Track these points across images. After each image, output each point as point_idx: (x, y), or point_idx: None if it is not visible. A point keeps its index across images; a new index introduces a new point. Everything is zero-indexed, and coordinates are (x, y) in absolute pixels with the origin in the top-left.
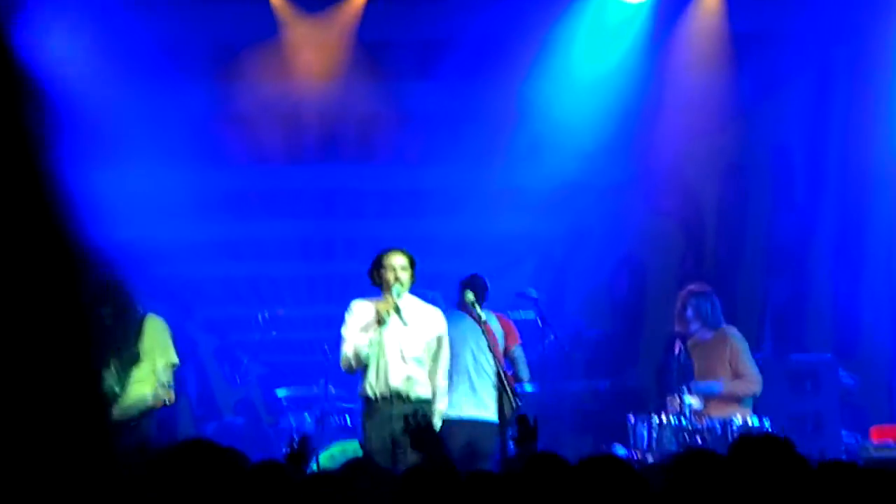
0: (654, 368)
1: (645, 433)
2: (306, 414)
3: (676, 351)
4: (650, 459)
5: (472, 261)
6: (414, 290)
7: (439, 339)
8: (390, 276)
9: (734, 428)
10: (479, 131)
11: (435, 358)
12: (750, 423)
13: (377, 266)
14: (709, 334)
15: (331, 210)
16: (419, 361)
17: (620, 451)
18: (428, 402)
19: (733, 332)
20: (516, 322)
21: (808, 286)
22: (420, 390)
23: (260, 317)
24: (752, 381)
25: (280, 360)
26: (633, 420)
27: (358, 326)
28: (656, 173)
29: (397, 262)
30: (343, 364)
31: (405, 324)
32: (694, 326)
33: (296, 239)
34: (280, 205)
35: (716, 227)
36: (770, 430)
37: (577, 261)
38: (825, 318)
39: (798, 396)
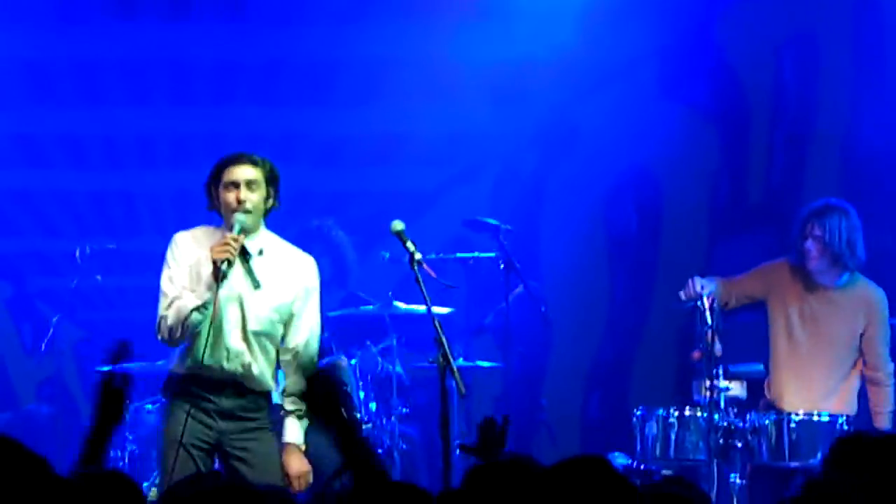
0: (674, 340)
1: (658, 434)
2: (149, 404)
3: (708, 312)
4: (664, 471)
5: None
6: (287, 221)
7: (302, 297)
8: (230, 197)
9: (792, 425)
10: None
11: (290, 321)
12: (817, 418)
13: (213, 180)
14: (839, 280)
15: None
16: (267, 337)
17: (621, 459)
18: (267, 397)
19: (879, 292)
20: (467, 265)
21: None
22: (266, 383)
23: (78, 253)
24: (883, 378)
25: (108, 319)
26: (640, 415)
27: (184, 276)
28: (683, 49)
29: (242, 175)
30: (161, 331)
31: (256, 285)
32: (816, 265)
33: (130, 134)
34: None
35: (770, 134)
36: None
37: (557, 175)
38: None
39: None
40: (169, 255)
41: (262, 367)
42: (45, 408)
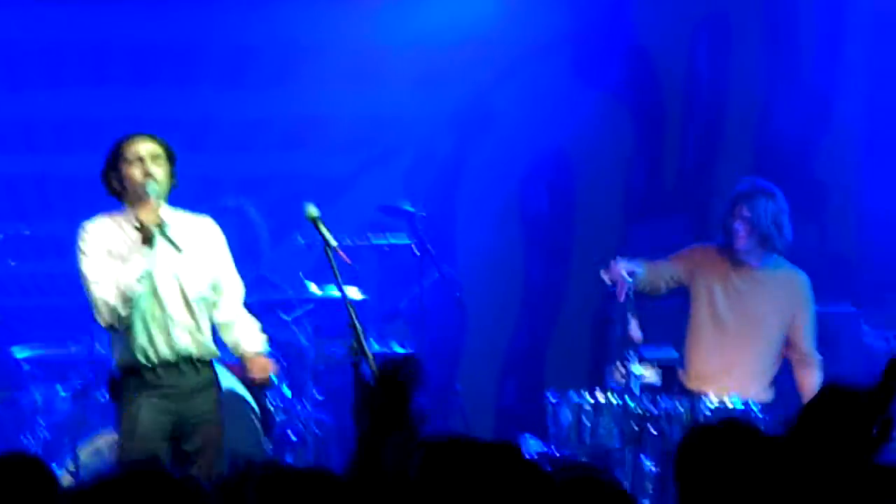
0: (589, 325)
1: (571, 419)
2: (59, 386)
3: (622, 296)
4: (578, 457)
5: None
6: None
7: (215, 251)
8: (135, 171)
9: (706, 412)
10: None
11: (218, 285)
12: (729, 405)
13: (114, 161)
14: (764, 261)
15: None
16: (205, 302)
17: (533, 444)
18: (212, 367)
19: (804, 276)
20: (382, 251)
21: (819, 210)
22: (212, 347)
23: None
24: (812, 363)
25: (20, 305)
26: (553, 400)
27: (105, 255)
28: (598, 33)
29: (145, 150)
30: (103, 315)
31: (178, 249)
32: (744, 245)
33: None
34: None
35: (684, 119)
36: (757, 411)
37: (472, 159)
38: (846, 260)
39: None
40: (82, 244)
41: (206, 332)
42: None
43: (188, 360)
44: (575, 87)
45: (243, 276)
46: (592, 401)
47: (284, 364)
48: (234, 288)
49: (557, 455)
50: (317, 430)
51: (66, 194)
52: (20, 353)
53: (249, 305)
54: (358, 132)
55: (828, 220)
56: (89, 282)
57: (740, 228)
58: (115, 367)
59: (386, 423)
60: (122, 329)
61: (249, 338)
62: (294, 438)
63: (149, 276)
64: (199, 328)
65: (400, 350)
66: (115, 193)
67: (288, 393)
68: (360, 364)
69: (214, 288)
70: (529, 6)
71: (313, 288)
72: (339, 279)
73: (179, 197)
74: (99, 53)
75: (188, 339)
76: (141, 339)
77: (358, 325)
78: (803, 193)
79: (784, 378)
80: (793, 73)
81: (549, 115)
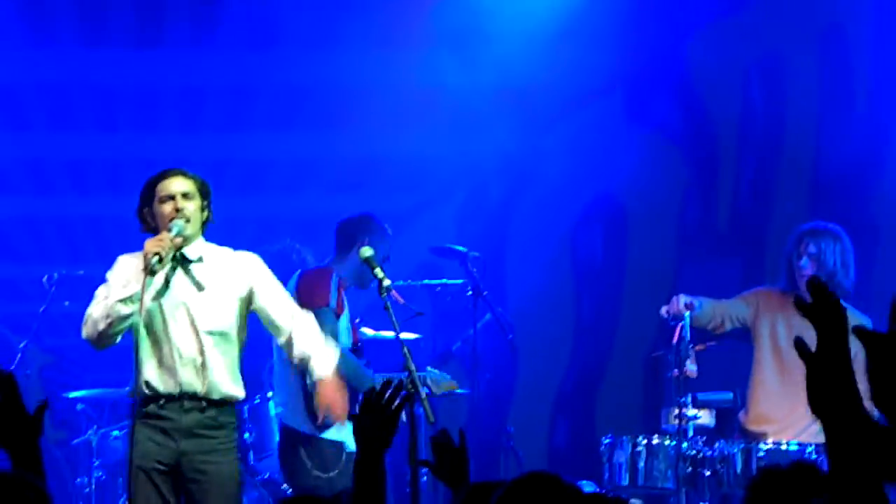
0: (641, 367)
1: (626, 462)
2: (113, 427)
3: (676, 338)
4: (632, 500)
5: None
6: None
7: (260, 285)
8: (166, 209)
9: (760, 453)
10: None
11: (270, 306)
12: (785, 447)
13: (147, 198)
14: None
15: None
16: (222, 337)
17: (589, 488)
18: (233, 406)
19: (867, 320)
20: (435, 291)
21: (876, 246)
22: (227, 387)
23: (45, 279)
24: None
25: (76, 346)
26: (608, 443)
27: (118, 282)
28: (650, 75)
29: (177, 188)
30: (86, 327)
31: (199, 286)
32: None
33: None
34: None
35: (737, 159)
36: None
37: (525, 200)
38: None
39: None
40: (108, 273)
41: (218, 371)
42: None
43: (193, 397)
44: (627, 128)
45: None
46: (646, 442)
47: None
48: (294, 321)
49: (612, 497)
50: None
51: (121, 235)
52: (74, 394)
53: None
54: (411, 174)
55: (884, 259)
56: (93, 299)
57: (807, 265)
58: (132, 396)
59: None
60: (99, 347)
61: (318, 365)
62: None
63: (137, 299)
64: (206, 365)
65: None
66: (150, 230)
67: None
68: (414, 405)
69: (272, 326)
70: (581, 50)
71: (368, 331)
72: (394, 319)
73: (233, 239)
74: (153, 96)
75: (192, 375)
76: (147, 370)
77: (412, 366)
78: (860, 234)
79: None
80: (847, 110)
81: (601, 157)
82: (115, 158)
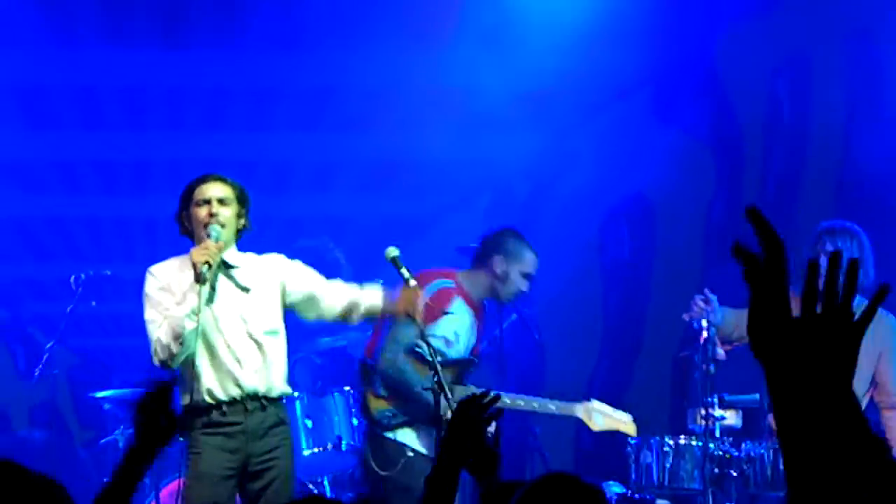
0: (667, 367)
1: (653, 462)
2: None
3: (703, 339)
4: (659, 501)
5: (389, 197)
6: (281, 247)
7: (292, 278)
8: (202, 213)
9: None
10: None
11: (312, 290)
12: None
13: (185, 202)
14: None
15: None
16: (273, 336)
17: (616, 488)
18: (285, 408)
19: (891, 318)
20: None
21: None
22: (282, 384)
23: (73, 279)
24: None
25: (102, 345)
26: (634, 443)
27: (166, 297)
28: (677, 75)
29: (213, 193)
30: (158, 353)
31: (243, 289)
32: None
33: (125, 160)
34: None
35: (764, 159)
36: None
37: (551, 201)
38: None
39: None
40: (147, 288)
41: (274, 370)
42: (38, 433)
43: (255, 398)
44: (655, 128)
45: None
46: (673, 443)
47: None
48: (332, 287)
49: (638, 498)
50: None
51: (148, 236)
52: (101, 393)
53: (332, 350)
54: (437, 175)
55: None
56: (148, 322)
57: (825, 264)
58: (182, 409)
59: (459, 458)
60: (174, 367)
61: (372, 293)
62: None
63: (213, 317)
64: (266, 366)
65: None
66: (187, 234)
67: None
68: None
69: (311, 301)
70: (608, 50)
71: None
72: (419, 319)
73: (261, 238)
74: (180, 97)
75: (255, 378)
76: (206, 378)
77: (438, 366)
78: (885, 232)
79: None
80: (874, 111)
81: (628, 157)
82: (143, 159)
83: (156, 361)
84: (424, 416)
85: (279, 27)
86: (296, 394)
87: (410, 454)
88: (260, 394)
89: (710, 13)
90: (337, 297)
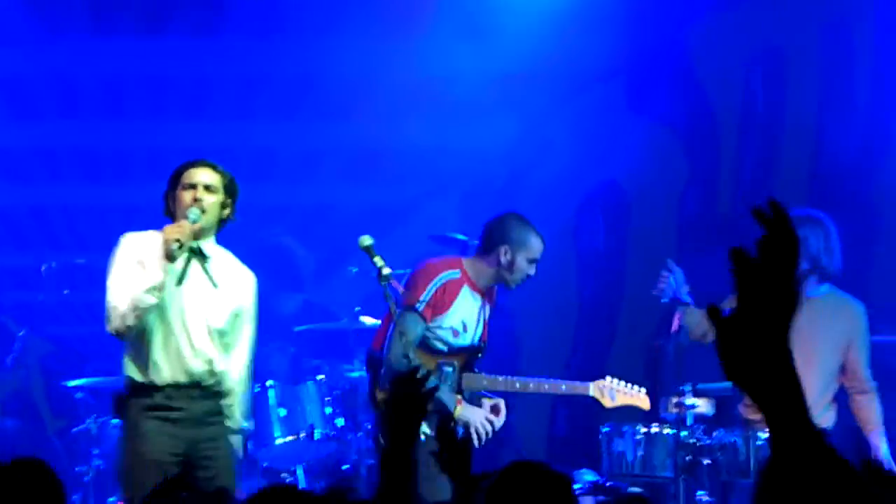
0: (641, 355)
1: (625, 450)
2: (115, 419)
3: (674, 328)
4: (631, 488)
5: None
6: (251, 235)
7: (245, 311)
8: (186, 196)
9: (759, 442)
10: None
11: (233, 337)
12: None
13: (173, 183)
14: (818, 289)
15: None
16: (224, 336)
17: (588, 476)
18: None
19: (858, 305)
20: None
21: (876, 237)
22: (230, 379)
23: (44, 268)
24: (869, 390)
25: (76, 334)
26: (607, 431)
27: (133, 265)
28: (651, 63)
29: (201, 178)
30: (112, 321)
31: (213, 283)
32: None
33: (103, 148)
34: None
35: (738, 148)
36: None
37: (526, 189)
38: None
39: None
40: (118, 252)
41: (223, 365)
42: (11, 421)
43: (200, 386)
44: (629, 116)
45: (289, 300)
46: (645, 431)
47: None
48: (241, 356)
49: (610, 486)
50: (370, 460)
51: (123, 224)
52: (73, 382)
53: (306, 335)
54: (414, 163)
55: (883, 249)
56: (108, 287)
57: None
58: (126, 386)
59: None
60: (125, 338)
61: (238, 416)
62: (346, 467)
63: (177, 299)
64: (215, 358)
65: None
66: (169, 214)
67: (340, 422)
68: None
69: (225, 341)
70: (583, 38)
71: (367, 319)
72: (393, 308)
73: (238, 227)
74: (160, 86)
75: (204, 367)
76: (156, 358)
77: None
78: (858, 222)
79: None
80: (847, 102)
81: (603, 146)
82: (123, 147)
83: (108, 328)
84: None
85: (260, 16)
86: (270, 382)
87: (422, 437)
88: (206, 384)
89: (685, 3)
90: (234, 363)
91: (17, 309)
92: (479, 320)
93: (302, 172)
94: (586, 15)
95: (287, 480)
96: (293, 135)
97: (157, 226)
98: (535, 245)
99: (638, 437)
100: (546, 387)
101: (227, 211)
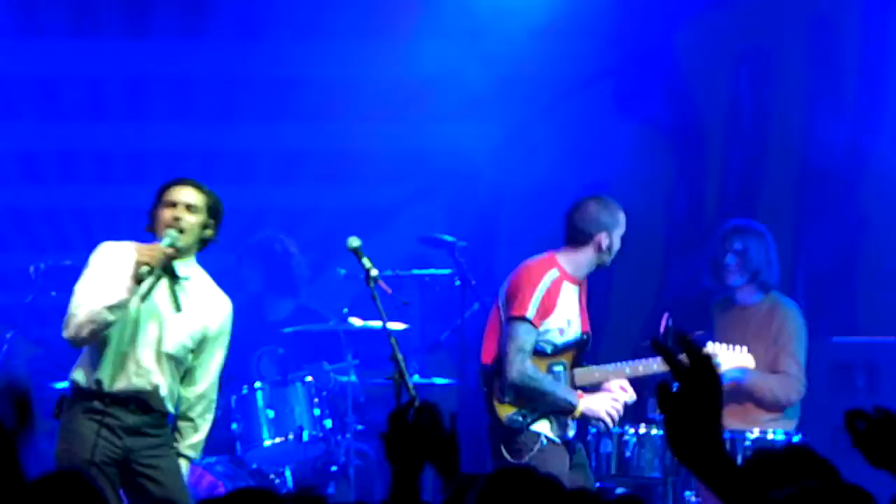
0: (628, 354)
1: (613, 451)
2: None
3: (663, 326)
4: (619, 489)
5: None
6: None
7: (213, 338)
8: (166, 214)
9: (747, 444)
10: None
11: (196, 363)
12: (771, 437)
13: (157, 200)
14: (754, 297)
15: None
16: (177, 362)
17: None
18: (168, 417)
19: (791, 306)
20: (423, 282)
21: (864, 237)
22: (169, 404)
23: (32, 269)
24: (796, 383)
25: (60, 336)
26: (595, 432)
27: (103, 278)
28: (639, 66)
29: (183, 197)
30: (68, 329)
31: (178, 308)
32: (736, 280)
33: (86, 150)
34: None
35: (725, 150)
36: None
37: (513, 192)
38: (888, 287)
39: (846, 396)
40: (93, 259)
41: (167, 389)
42: None
43: (140, 402)
44: (616, 119)
45: (282, 306)
46: (633, 431)
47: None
48: (202, 383)
49: (598, 486)
50: (358, 461)
51: (108, 226)
52: (62, 384)
53: (294, 336)
54: (399, 166)
55: (872, 250)
56: (75, 292)
57: (732, 261)
58: (70, 389)
59: (421, 454)
60: (78, 346)
61: (187, 443)
62: (335, 469)
63: (124, 307)
64: (160, 381)
65: (442, 381)
66: (152, 230)
67: (328, 423)
68: (402, 395)
69: (184, 367)
70: (570, 40)
71: (356, 321)
72: (381, 309)
73: (222, 230)
74: (141, 87)
75: (147, 387)
76: (103, 366)
77: (400, 356)
78: (846, 222)
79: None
80: (835, 103)
81: (590, 147)
82: (104, 149)
83: (63, 334)
84: (557, 407)
85: (242, 18)
86: (258, 384)
87: (544, 441)
88: (148, 402)
89: (671, 4)
90: (194, 389)
91: (4, 311)
92: (579, 311)
93: (287, 174)
94: (573, 18)
95: (275, 482)
96: (277, 136)
97: (140, 228)
98: (623, 218)
99: (626, 437)
100: (641, 368)
101: (208, 231)
